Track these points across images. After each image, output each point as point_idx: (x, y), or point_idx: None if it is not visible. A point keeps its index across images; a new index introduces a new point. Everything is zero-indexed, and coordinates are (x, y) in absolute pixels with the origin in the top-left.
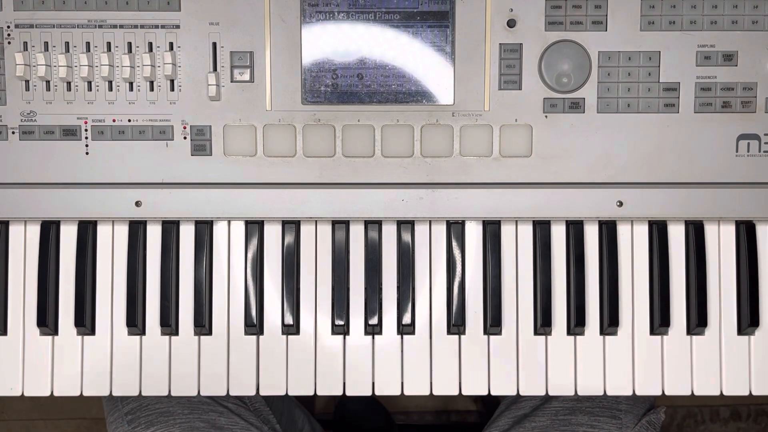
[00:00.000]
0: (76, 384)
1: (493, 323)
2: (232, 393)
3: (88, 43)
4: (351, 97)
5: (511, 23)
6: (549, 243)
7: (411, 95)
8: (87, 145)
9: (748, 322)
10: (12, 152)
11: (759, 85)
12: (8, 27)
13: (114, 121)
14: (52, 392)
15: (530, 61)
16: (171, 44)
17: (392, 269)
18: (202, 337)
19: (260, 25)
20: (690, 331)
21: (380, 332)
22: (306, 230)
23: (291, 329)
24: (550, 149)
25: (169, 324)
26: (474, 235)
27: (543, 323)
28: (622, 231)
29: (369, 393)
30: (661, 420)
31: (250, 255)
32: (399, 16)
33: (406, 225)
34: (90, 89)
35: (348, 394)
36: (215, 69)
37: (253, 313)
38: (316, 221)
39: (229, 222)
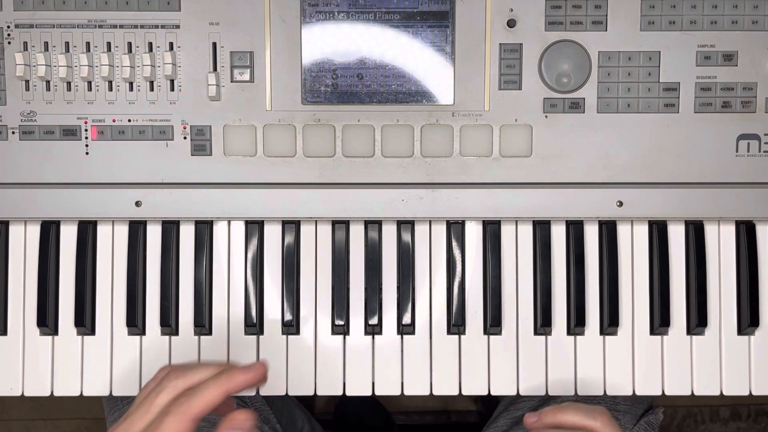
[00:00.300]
0: (76, 384)
1: (493, 323)
2: None
3: (88, 43)
4: (351, 97)
5: (511, 23)
6: (549, 243)
7: (411, 95)
8: (87, 145)
9: (748, 322)
10: (12, 152)
11: (759, 85)
12: (8, 27)
13: (114, 121)
14: (52, 392)
15: (530, 61)
16: (171, 44)
17: (392, 269)
18: (202, 337)
19: (260, 25)
20: (690, 331)
21: (380, 332)
22: (306, 230)
23: (291, 329)
24: (550, 149)
25: (169, 324)
26: (474, 235)
27: (543, 323)
28: (622, 231)
29: (369, 393)
30: (659, 420)
31: (250, 255)
32: (399, 16)
33: (406, 225)
34: (90, 89)
35: (348, 394)
36: (215, 69)
37: (253, 313)
38: (316, 221)
39: (229, 222)
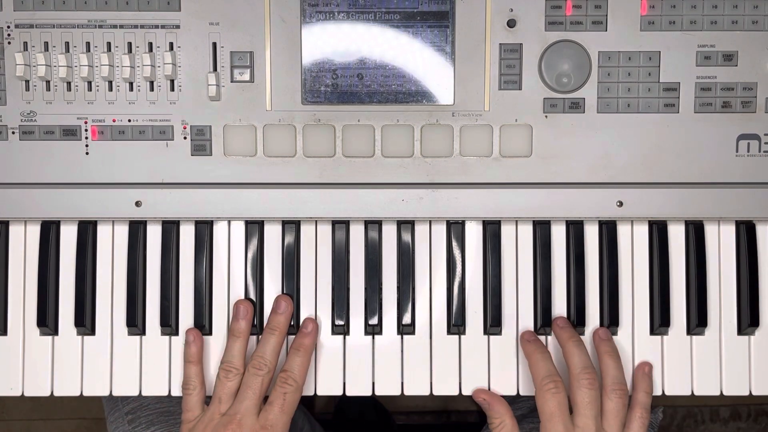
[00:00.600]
0: (76, 384)
1: (493, 323)
2: None
3: (88, 43)
4: (351, 97)
5: (511, 23)
6: (549, 243)
7: (411, 95)
8: (87, 145)
9: (748, 322)
10: (12, 152)
11: (759, 85)
12: (8, 27)
13: (114, 121)
14: (52, 392)
15: (530, 61)
16: (171, 44)
17: (392, 269)
18: (203, 337)
19: (260, 25)
20: (690, 331)
21: (380, 332)
22: (306, 230)
23: (291, 329)
24: (550, 149)
25: (169, 324)
26: (474, 235)
27: (543, 323)
28: (622, 231)
29: (369, 393)
30: (659, 420)
31: (250, 255)
32: (399, 16)
33: (406, 225)
34: (90, 89)
35: (348, 394)
36: (215, 69)
37: (256, 312)
38: (316, 221)
39: (229, 222)
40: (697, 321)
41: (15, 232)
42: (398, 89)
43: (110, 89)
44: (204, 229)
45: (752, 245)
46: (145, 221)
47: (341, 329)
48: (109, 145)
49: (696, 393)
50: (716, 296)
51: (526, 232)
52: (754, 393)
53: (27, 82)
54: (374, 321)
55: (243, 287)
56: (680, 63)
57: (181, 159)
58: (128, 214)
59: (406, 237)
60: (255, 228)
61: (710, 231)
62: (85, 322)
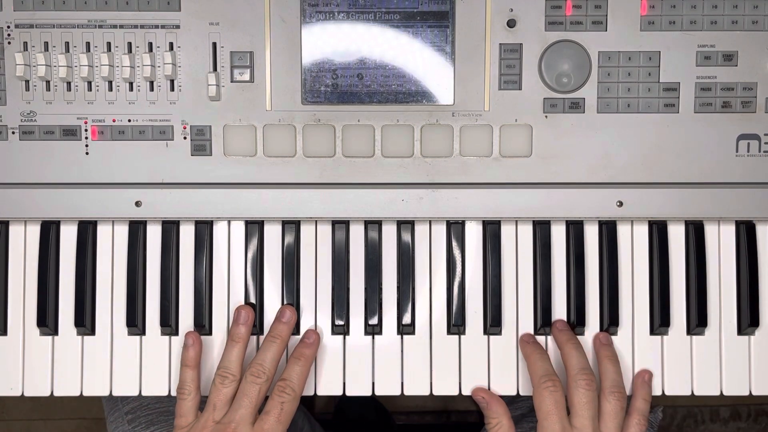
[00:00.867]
0: (76, 384)
1: (493, 323)
2: None
3: (88, 43)
4: (351, 97)
5: (511, 23)
6: (549, 243)
7: (411, 95)
8: (87, 145)
9: (748, 322)
10: (12, 152)
11: (759, 85)
12: (8, 27)
13: (114, 121)
14: (52, 392)
15: (530, 61)
16: (171, 44)
17: (392, 269)
18: (202, 337)
19: (260, 25)
20: (690, 331)
21: (380, 332)
22: (306, 230)
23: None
24: (550, 149)
25: (169, 324)
26: (474, 235)
27: (543, 323)
28: (622, 231)
29: (369, 393)
30: (658, 420)
31: (250, 255)
32: (399, 16)
33: (406, 225)
34: (90, 89)
35: (348, 394)
36: (215, 69)
37: (255, 314)
38: (316, 221)
39: (229, 222)
40: (697, 321)
41: (15, 232)
42: (398, 89)
43: (110, 89)
44: (204, 229)
45: (752, 245)
46: (145, 221)
47: (341, 329)
48: (109, 145)
49: (696, 393)
50: (716, 296)
51: (526, 232)
52: (754, 393)
53: (27, 82)
54: (374, 321)
55: (243, 287)
56: (680, 63)
57: (181, 159)
58: (128, 214)
59: (406, 237)
60: (255, 228)
61: (710, 231)
62: (85, 322)
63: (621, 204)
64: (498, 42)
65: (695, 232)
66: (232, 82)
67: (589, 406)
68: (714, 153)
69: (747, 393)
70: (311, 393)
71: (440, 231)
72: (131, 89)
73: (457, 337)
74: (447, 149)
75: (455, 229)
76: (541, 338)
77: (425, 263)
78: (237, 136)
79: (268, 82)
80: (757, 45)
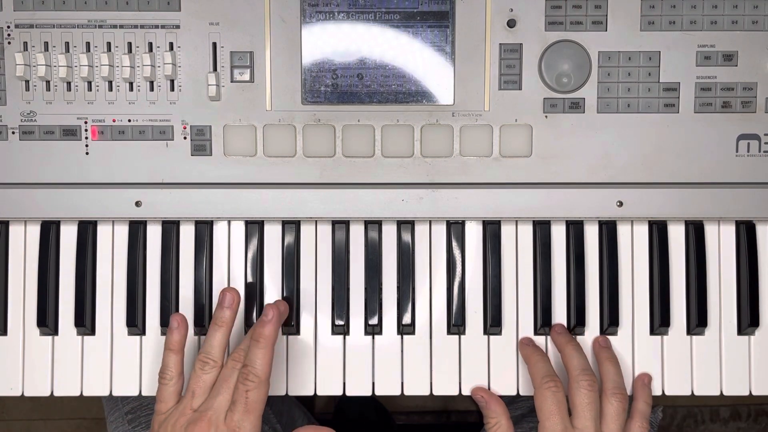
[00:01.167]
0: (76, 384)
1: (493, 323)
2: None
3: (88, 43)
4: (351, 97)
5: (511, 23)
6: (549, 243)
7: (411, 95)
8: (87, 145)
9: (748, 322)
10: (12, 152)
11: (759, 85)
12: (8, 27)
13: (114, 121)
14: (52, 392)
15: (530, 61)
16: (171, 44)
17: (392, 269)
18: (202, 337)
19: (260, 25)
20: (690, 331)
21: (380, 332)
22: (306, 230)
23: (291, 329)
24: (550, 149)
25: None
26: (474, 235)
27: (543, 323)
28: (622, 231)
29: (369, 393)
30: (658, 420)
31: (250, 255)
32: (399, 16)
33: (406, 225)
34: (90, 89)
35: (348, 394)
36: (215, 69)
37: (254, 313)
38: (316, 221)
39: (229, 222)
40: (697, 321)
41: (15, 232)
42: (398, 89)
43: (110, 89)
44: (204, 229)
45: (752, 245)
46: (145, 221)
47: (341, 329)
48: (109, 145)
49: (696, 393)
50: (716, 296)
51: (526, 232)
52: (754, 393)
53: (27, 82)
54: (374, 321)
55: (243, 287)
56: (680, 63)
57: (181, 159)
58: (128, 214)
59: (406, 237)
60: (255, 228)
61: (710, 231)
62: (85, 322)
63: (621, 204)
64: (498, 42)
65: (695, 232)
66: (232, 82)
67: (591, 407)
68: (714, 153)
69: (747, 393)
70: (311, 393)
71: (440, 231)
72: (131, 89)
73: (457, 337)
74: (447, 149)
75: (455, 229)
76: (541, 338)
77: (425, 263)
78: (237, 136)
79: (268, 82)
80: (757, 45)
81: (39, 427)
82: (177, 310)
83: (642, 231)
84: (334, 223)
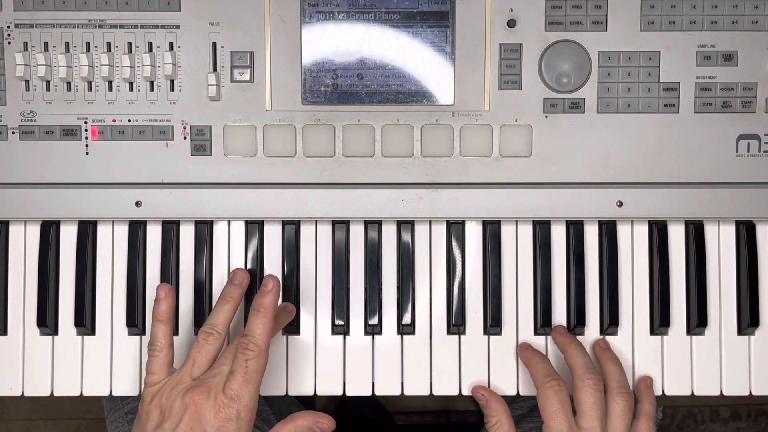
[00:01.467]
0: (76, 384)
1: (493, 323)
2: None
3: (88, 43)
4: (351, 97)
5: (511, 23)
6: (549, 243)
7: (411, 95)
8: (87, 145)
9: (748, 322)
10: (12, 152)
11: (759, 85)
12: (8, 27)
13: (114, 121)
14: (52, 392)
15: (530, 61)
16: (171, 44)
17: (392, 269)
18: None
19: (260, 25)
20: (690, 331)
21: (380, 332)
22: (306, 230)
23: (291, 329)
24: (550, 149)
25: None
26: (474, 235)
27: (543, 323)
28: (622, 231)
29: (369, 393)
30: (658, 420)
31: (250, 255)
32: (399, 16)
33: (406, 225)
34: (90, 89)
35: (348, 394)
36: (215, 69)
37: None
38: (316, 221)
39: (229, 222)
40: (697, 321)
41: (15, 232)
42: (398, 89)
43: (110, 89)
44: (204, 229)
45: (752, 245)
46: (145, 221)
47: (341, 329)
48: (109, 145)
49: (696, 393)
50: (716, 296)
51: (526, 232)
52: (754, 393)
53: (27, 82)
54: (374, 321)
55: None
56: (680, 63)
57: (181, 159)
58: (128, 214)
59: (406, 237)
60: (255, 228)
61: (710, 231)
62: (85, 322)
63: (621, 204)
64: (498, 42)
65: (695, 232)
66: (232, 82)
67: (596, 407)
68: (714, 153)
69: (747, 393)
70: (311, 393)
71: (440, 231)
72: (131, 89)
73: (457, 337)
74: (447, 149)
75: (455, 229)
76: (541, 338)
77: (425, 263)
78: (237, 136)
79: (268, 82)
80: (757, 45)
81: (39, 427)
82: (177, 310)
83: (642, 231)
84: (334, 223)
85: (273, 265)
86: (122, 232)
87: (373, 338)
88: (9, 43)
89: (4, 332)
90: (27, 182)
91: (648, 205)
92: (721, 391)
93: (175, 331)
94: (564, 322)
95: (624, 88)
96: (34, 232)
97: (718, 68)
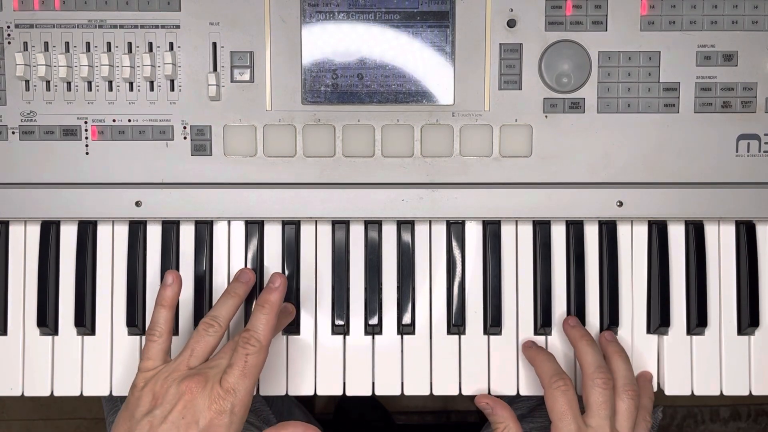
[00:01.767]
0: (76, 384)
1: (493, 323)
2: None
3: (88, 43)
4: (351, 97)
5: (511, 23)
6: (549, 243)
7: (411, 95)
8: (87, 145)
9: (748, 322)
10: (12, 152)
11: (759, 85)
12: (8, 27)
13: (114, 121)
14: (52, 392)
15: (530, 61)
16: (171, 44)
17: (392, 269)
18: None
19: (260, 25)
20: (690, 331)
21: (380, 332)
22: (306, 230)
23: (291, 329)
24: (550, 149)
25: None
26: (474, 235)
27: (543, 323)
28: (622, 231)
29: (369, 393)
30: (658, 420)
31: (250, 255)
32: (399, 16)
33: (406, 225)
34: (90, 89)
35: (348, 394)
36: (215, 69)
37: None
38: (316, 221)
39: (229, 222)
40: (697, 321)
41: (15, 232)
42: (398, 89)
43: (110, 89)
44: (204, 229)
45: (752, 245)
46: (145, 221)
47: (341, 329)
48: (109, 145)
49: (696, 393)
50: (716, 296)
51: (526, 232)
52: (754, 393)
53: (27, 82)
54: (374, 321)
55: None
56: (680, 63)
57: (181, 159)
58: (128, 214)
59: (406, 237)
60: (255, 228)
61: (710, 231)
62: (85, 322)
63: (621, 204)
64: (498, 42)
65: (695, 232)
66: (232, 82)
67: (605, 406)
68: (714, 153)
69: (747, 393)
70: (311, 393)
71: (440, 231)
72: (131, 89)
73: (457, 337)
74: (447, 149)
75: (455, 229)
76: (541, 338)
77: (425, 263)
78: (237, 136)
79: (268, 82)
80: (757, 45)
81: (39, 427)
82: (177, 310)
83: (642, 231)
84: (334, 223)
85: (273, 265)
86: (122, 232)
87: (373, 338)
88: (9, 43)
89: (4, 332)
90: (27, 182)
91: (648, 205)
92: (721, 391)
93: (176, 331)
94: None
95: (624, 88)
96: (34, 232)
97: (718, 68)
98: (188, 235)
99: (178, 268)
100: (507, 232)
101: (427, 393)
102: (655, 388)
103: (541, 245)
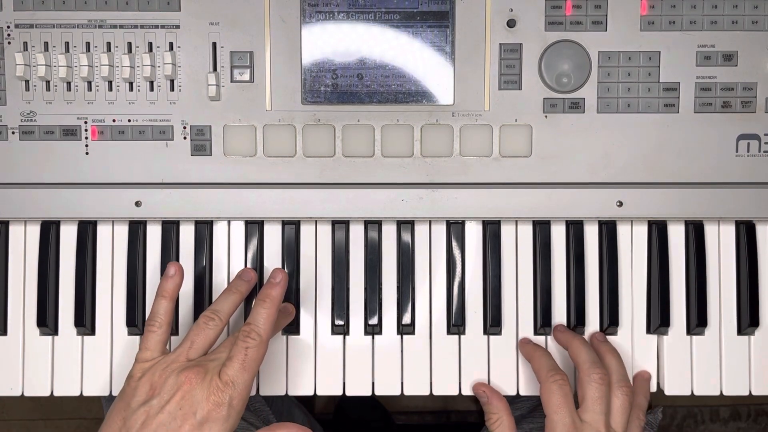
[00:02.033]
0: (76, 384)
1: (493, 323)
2: None
3: (88, 43)
4: (351, 97)
5: (511, 23)
6: (549, 243)
7: (411, 95)
8: (87, 145)
9: (748, 322)
10: (12, 152)
11: (759, 85)
12: (8, 27)
13: (114, 121)
14: (52, 392)
15: (530, 61)
16: (171, 44)
17: (392, 269)
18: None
19: (260, 25)
20: (690, 331)
21: (380, 332)
22: (306, 230)
23: (291, 329)
24: (550, 149)
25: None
26: (474, 235)
27: (543, 323)
28: (622, 231)
29: (369, 393)
30: (658, 420)
31: (249, 255)
32: (399, 16)
33: (406, 225)
34: (90, 89)
35: (348, 394)
36: (215, 69)
37: None
38: (316, 221)
39: (229, 222)
40: (697, 321)
41: (15, 232)
42: (398, 89)
43: (110, 89)
44: (204, 229)
45: (752, 245)
46: (145, 221)
47: (341, 329)
48: (109, 145)
49: (696, 393)
50: (716, 296)
51: (526, 232)
52: (754, 393)
53: (27, 82)
54: (374, 321)
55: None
56: (680, 63)
57: (181, 159)
58: (128, 214)
59: (406, 237)
60: (255, 228)
61: (710, 231)
62: (85, 322)
63: (621, 204)
64: (498, 42)
65: (695, 232)
66: (232, 82)
67: (601, 401)
68: (714, 153)
69: (747, 393)
70: (311, 393)
71: (440, 231)
72: (131, 89)
73: (457, 337)
74: (447, 149)
75: (455, 229)
76: (540, 338)
77: (425, 263)
78: (237, 136)
79: (268, 82)
80: (757, 45)
81: (39, 427)
82: (177, 310)
83: (642, 231)
84: (334, 223)
85: (273, 265)
86: (122, 232)
87: (373, 338)
88: (9, 43)
89: (4, 332)
90: (27, 182)
91: (648, 205)
92: (721, 391)
93: (175, 331)
94: (564, 322)
95: (624, 88)
96: (34, 232)
97: (718, 68)
98: (188, 235)
99: None
100: (507, 232)
101: (427, 393)
102: (655, 388)
103: (541, 245)
